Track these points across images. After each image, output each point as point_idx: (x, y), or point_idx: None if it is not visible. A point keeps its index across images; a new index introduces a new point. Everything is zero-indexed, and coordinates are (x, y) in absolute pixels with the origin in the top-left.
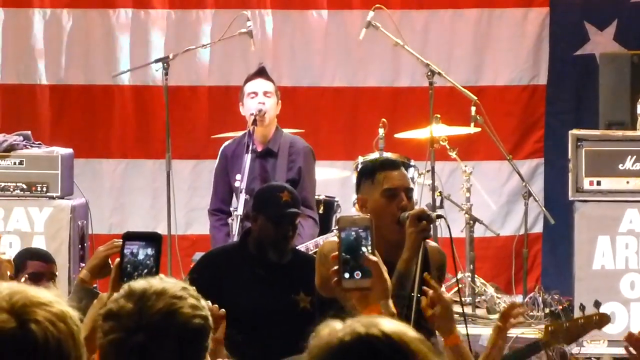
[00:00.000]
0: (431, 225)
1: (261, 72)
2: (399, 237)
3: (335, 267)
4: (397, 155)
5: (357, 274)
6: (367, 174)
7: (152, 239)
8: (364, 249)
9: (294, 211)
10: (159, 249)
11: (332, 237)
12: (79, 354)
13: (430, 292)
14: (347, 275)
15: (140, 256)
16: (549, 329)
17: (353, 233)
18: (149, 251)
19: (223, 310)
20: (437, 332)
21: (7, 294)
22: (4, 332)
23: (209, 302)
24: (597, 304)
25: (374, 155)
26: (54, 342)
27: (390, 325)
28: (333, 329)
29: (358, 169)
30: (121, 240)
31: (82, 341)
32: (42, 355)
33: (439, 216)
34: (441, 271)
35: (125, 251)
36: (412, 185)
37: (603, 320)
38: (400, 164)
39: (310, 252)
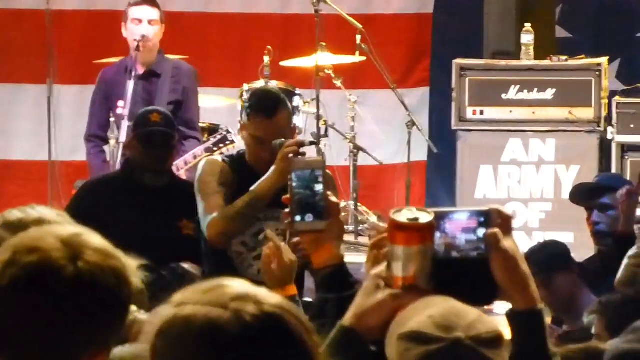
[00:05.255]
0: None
1: None
2: (270, 157)
3: (287, 210)
4: (283, 84)
5: (309, 217)
6: (247, 108)
7: None
8: (317, 190)
9: (161, 129)
10: None
11: (214, 157)
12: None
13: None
14: (298, 217)
15: None
16: None
17: (305, 175)
18: None
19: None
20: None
21: (72, 232)
22: (54, 262)
23: None
24: None
25: (259, 83)
26: (98, 286)
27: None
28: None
29: (243, 97)
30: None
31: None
32: (71, 295)
33: (313, 142)
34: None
35: None
36: (290, 125)
37: None
38: (277, 109)
39: (188, 165)
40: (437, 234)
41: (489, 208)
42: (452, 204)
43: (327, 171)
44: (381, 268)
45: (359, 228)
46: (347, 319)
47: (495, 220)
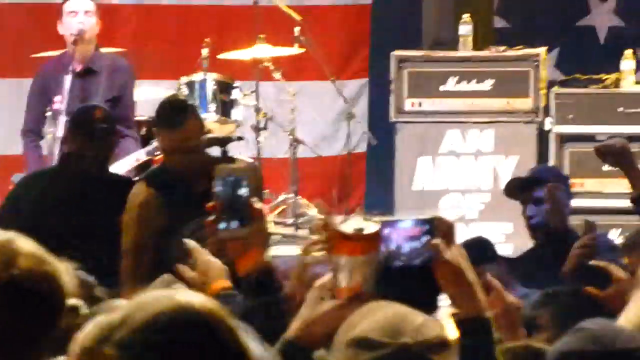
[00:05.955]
0: None
1: None
2: (188, 164)
3: (211, 217)
4: (221, 76)
5: (234, 223)
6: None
7: None
8: (241, 196)
9: (104, 126)
10: None
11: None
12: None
13: None
14: (223, 225)
15: None
16: None
17: (230, 181)
18: None
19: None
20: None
21: (3, 239)
22: None
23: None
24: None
25: (198, 75)
26: (31, 292)
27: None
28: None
29: (181, 90)
30: None
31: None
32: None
33: (240, 138)
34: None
35: None
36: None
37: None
38: (180, 120)
39: (129, 167)
40: (382, 243)
41: (433, 216)
42: (391, 195)
43: (255, 163)
44: (325, 279)
45: (299, 220)
46: (292, 331)
47: (439, 228)
